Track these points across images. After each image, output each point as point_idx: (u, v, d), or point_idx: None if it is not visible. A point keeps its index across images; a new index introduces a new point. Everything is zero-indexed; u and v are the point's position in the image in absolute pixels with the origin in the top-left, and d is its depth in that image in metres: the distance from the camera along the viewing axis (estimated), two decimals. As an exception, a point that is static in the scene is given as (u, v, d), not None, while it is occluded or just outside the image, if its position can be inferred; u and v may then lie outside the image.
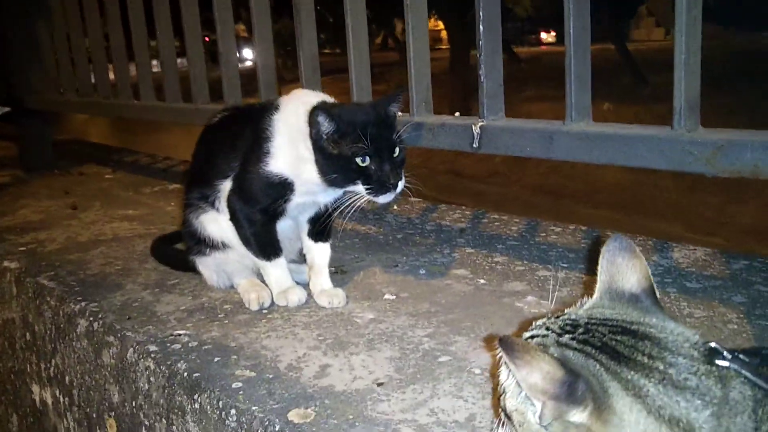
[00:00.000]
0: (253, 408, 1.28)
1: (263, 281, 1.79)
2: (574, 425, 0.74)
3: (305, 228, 1.76)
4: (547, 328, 0.83)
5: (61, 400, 1.95)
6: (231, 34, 2.41)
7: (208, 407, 1.35)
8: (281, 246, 1.73)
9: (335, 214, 1.71)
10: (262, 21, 2.22)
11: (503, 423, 0.87)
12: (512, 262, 1.94)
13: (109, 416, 1.71)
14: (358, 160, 1.48)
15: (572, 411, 0.73)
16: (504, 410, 0.85)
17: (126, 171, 3.80)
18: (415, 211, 2.54)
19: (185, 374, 1.44)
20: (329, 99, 1.64)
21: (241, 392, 1.34)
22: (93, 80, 3.69)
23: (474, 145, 1.59)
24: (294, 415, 1.24)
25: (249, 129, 1.67)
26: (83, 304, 1.85)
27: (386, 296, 1.75)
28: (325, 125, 1.48)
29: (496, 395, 0.91)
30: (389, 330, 1.56)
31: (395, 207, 2.59)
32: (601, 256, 0.89)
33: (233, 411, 1.30)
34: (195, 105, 2.62)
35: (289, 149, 1.59)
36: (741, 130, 1.23)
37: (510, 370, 0.80)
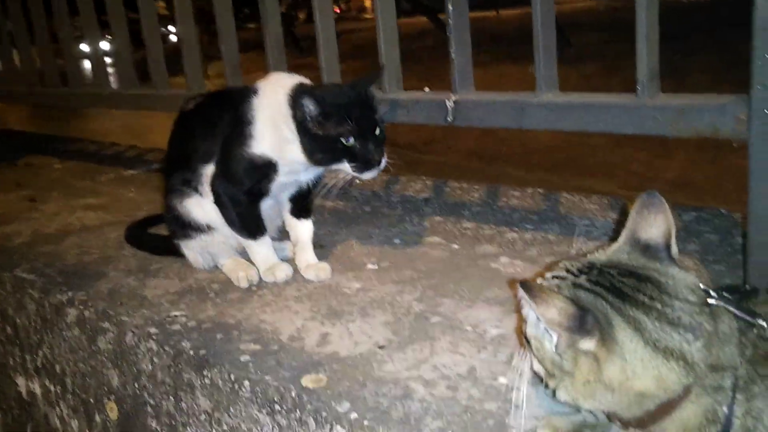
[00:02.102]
0: (267, 378, 1.36)
1: (247, 260, 1.85)
2: (583, 352, 0.86)
3: (287, 206, 1.83)
4: (567, 270, 0.94)
5: (52, 389, 1.99)
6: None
7: (220, 381, 1.42)
8: (265, 225, 1.80)
9: (316, 191, 1.79)
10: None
11: (525, 350, 0.99)
12: (480, 227, 2.06)
13: (109, 399, 1.76)
14: (344, 140, 1.56)
15: (582, 340, 0.85)
16: (525, 337, 0.97)
17: (74, 160, 3.75)
18: (378, 184, 2.63)
19: (191, 352, 1.51)
20: (305, 81, 1.71)
21: (251, 364, 1.42)
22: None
23: (448, 119, 1.69)
24: (307, 381, 1.33)
25: (228, 113, 1.72)
26: (70, 293, 1.88)
27: (369, 266, 1.84)
28: (310, 108, 1.55)
29: (520, 326, 1.03)
30: (378, 297, 1.65)
31: (357, 181, 2.68)
32: (633, 207, 0.99)
33: (246, 382, 1.38)
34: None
35: (272, 131, 1.65)
36: (698, 94, 1.36)
37: (530, 307, 0.92)
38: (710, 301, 0.88)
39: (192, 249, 1.86)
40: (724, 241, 1.74)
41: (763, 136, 1.20)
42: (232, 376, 1.41)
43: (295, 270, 1.82)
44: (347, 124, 1.55)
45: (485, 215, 2.15)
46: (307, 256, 1.81)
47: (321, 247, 2.00)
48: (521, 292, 0.91)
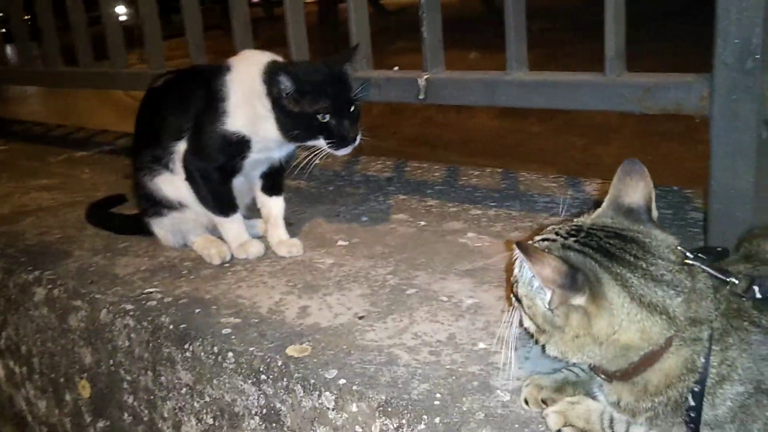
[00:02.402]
0: (251, 349, 1.39)
1: (218, 237, 1.87)
2: (574, 308, 0.92)
3: (258, 183, 1.85)
4: (556, 233, 1.00)
5: (17, 370, 1.96)
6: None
7: (202, 354, 1.44)
8: (236, 202, 1.81)
9: (287, 168, 1.82)
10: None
11: (514, 308, 1.05)
12: (444, 204, 2.11)
13: (81, 378, 1.75)
14: (320, 116, 1.59)
15: (574, 296, 0.91)
16: (516, 296, 1.02)
17: (20, 141, 3.66)
18: (339, 164, 2.66)
19: (170, 327, 1.52)
20: (278, 58, 1.73)
21: (233, 337, 1.44)
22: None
23: (420, 97, 1.73)
24: (292, 351, 1.36)
25: (200, 90, 1.72)
26: (37, 273, 1.86)
27: (339, 243, 1.88)
28: (286, 84, 1.57)
29: (509, 286, 1.08)
30: (353, 272, 1.69)
31: (317, 161, 2.70)
32: (616, 175, 1.05)
33: (230, 354, 1.40)
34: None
35: (246, 108, 1.67)
36: (663, 73, 1.45)
37: (524, 266, 0.97)
38: (688, 260, 0.95)
39: (163, 226, 1.86)
40: (677, 215, 1.84)
41: (724, 112, 1.29)
42: (215, 348, 1.43)
43: (267, 247, 1.84)
44: (324, 101, 1.57)
45: (448, 193, 2.21)
46: (279, 233, 1.83)
47: (290, 225, 2.02)
48: (517, 252, 0.96)
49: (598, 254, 0.94)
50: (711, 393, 0.91)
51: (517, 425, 1.10)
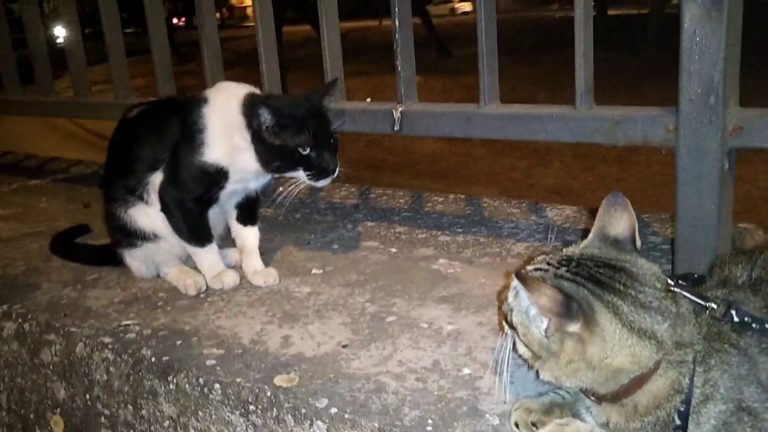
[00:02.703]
0: (238, 380, 1.40)
1: (191, 267, 1.87)
2: (569, 335, 0.97)
3: (233, 213, 1.87)
4: (548, 263, 1.05)
5: (-18, 407, 1.91)
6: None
7: (187, 386, 1.45)
8: (212, 232, 1.82)
9: (262, 198, 1.84)
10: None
11: (506, 334, 1.09)
12: (413, 231, 2.16)
13: (54, 413, 1.72)
14: (301, 149, 1.62)
15: (569, 324, 0.96)
16: (510, 324, 1.07)
17: (-35, 170, 3.56)
18: (303, 191, 2.67)
19: (153, 359, 1.52)
20: (255, 90, 1.76)
21: (218, 368, 1.45)
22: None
23: (395, 128, 1.78)
24: (280, 381, 1.38)
25: (176, 121, 1.74)
26: (5, 307, 1.83)
27: (313, 271, 1.90)
28: (267, 117, 1.60)
29: (502, 313, 1.13)
30: (330, 300, 1.72)
31: (280, 188, 2.72)
32: (601, 207, 1.12)
33: (217, 385, 1.41)
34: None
35: (224, 139, 1.69)
36: (631, 107, 1.53)
37: (518, 295, 1.02)
38: (671, 288, 1.02)
39: (136, 258, 1.86)
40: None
41: (689, 144, 1.37)
42: (201, 380, 1.43)
43: (242, 276, 1.85)
44: (304, 135, 1.61)
45: (415, 220, 2.26)
46: (254, 262, 1.85)
47: (261, 254, 2.03)
48: (515, 282, 1.01)
49: (590, 283, 1.00)
50: (696, 412, 0.97)
51: (509, 448, 1.14)
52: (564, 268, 1.03)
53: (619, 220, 1.09)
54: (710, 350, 0.99)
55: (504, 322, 1.11)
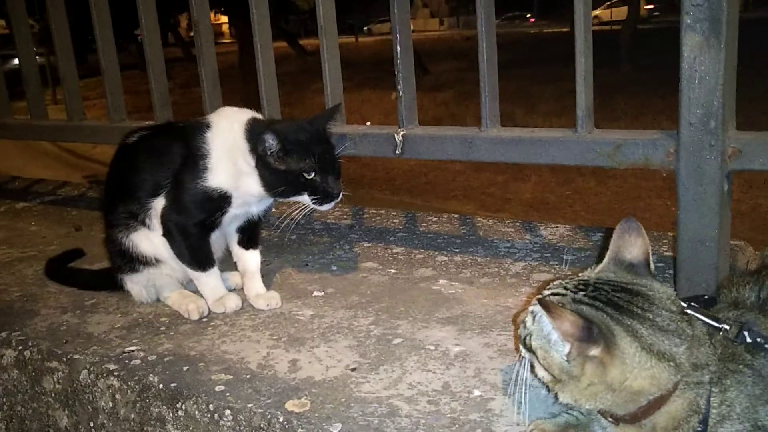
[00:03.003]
0: (249, 405, 1.40)
1: (193, 292, 1.87)
2: (590, 358, 0.99)
3: (234, 237, 1.87)
4: (565, 288, 1.08)
5: (-21, 436, 1.89)
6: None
7: (197, 412, 1.45)
8: (213, 256, 1.83)
9: (263, 222, 1.85)
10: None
11: (523, 358, 1.11)
12: (410, 251, 2.18)
13: (56, 442, 1.71)
14: (306, 174, 1.64)
15: (590, 348, 0.98)
16: (528, 348, 1.09)
17: (-52, 192, 3.52)
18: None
19: (160, 386, 1.51)
20: (257, 115, 1.77)
21: (227, 394, 1.45)
22: None
23: (397, 152, 1.80)
24: (291, 406, 1.38)
25: (178, 146, 1.74)
26: (4, 334, 1.81)
27: (315, 293, 1.91)
28: (272, 143, 1.61)
29: (517, 336, 1.15)
30: (335, 323, 1.73)
31: (274, 209, 2.73)
32: (615, 232, 1.15)
33: (228, 411, 1.41)
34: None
35: (227, 164, 1.70)
36: (631, 130, 1.57)
37: (538, 320, 1.04)
38: (686, 310, 1.04)
39: (137, 283, 1.85)
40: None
41: (690, 167, 1.41)
42: (211, 407, 1.43)
43: (243, 299, 1.86)
44: (310, 160, 1.62)
45: (411, 240, 2.28)
46: (256, 286, 1.85)
47: (261, 277, 2.04)
48: (536, 307, 1.03)
49: (608, 307, 1.02)
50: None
51: (527, 470, 1.16)
52: (582, 293, 1.05)
53: (633, 245, 1.11)
54: (725, 371, 1.01)
55: (521, 346, 1.13)
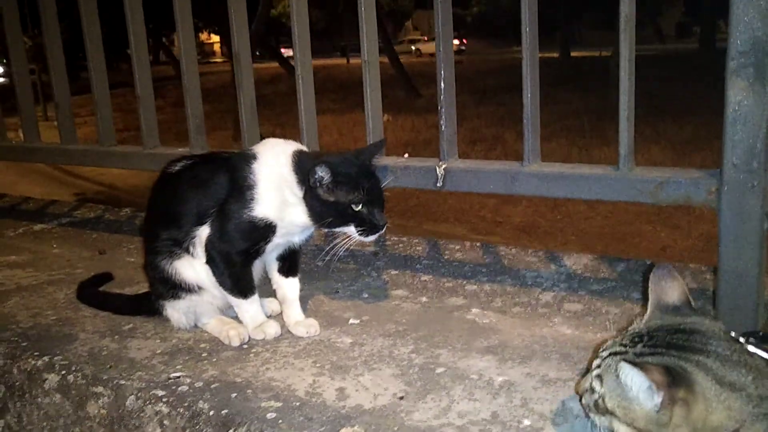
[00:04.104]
0: (304, 433, 1.43)
1: (232, 318, 1.90)
2: (676, 401, 1.03)
3: (274, 265, 1.91)
4: (622, 345, 1.13)
5: (15, 460, 1.90)
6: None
7: (250, 439, 1.47)
8: (254, 284, 1.86)
9: (302, 250, 1.89)
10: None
11: (595, 423, 1.15)
12: (438, 279, 2.22)
13: (98, 466, 1.72)
14: (354, 206, 1.68)
15: (678, 391, 1.03)
16: (604, 411, 1.12)
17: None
18: (317, 238, 2.73)
19: (211, 413, 1.54)
20: (303, 147, 1.82)
21: (280, 421, 1.48)
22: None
23: (438, 185, 1.85)
24: (346, 434, 1.42)
25: (224, 177, 1.78)
26: (46, 358, 1.83)
27: (351, 321, 1.95)
28: (324, 176, 1.66)
29: (584, 405, 1.20)
30: (375, 351, 1.76)
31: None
32: (650, 281, 1.20)
33: (282, 439, 1.44)
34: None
35: (274, 195, 1.74)
36: (672, 168, 1.63)
37: (609, 380, 1.09)
38: (746, 345, 1.09)
39: (178, 309, 1.88)
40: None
41: (731, 206, 1.47)
42: (264, 434, 1.46)
43: (281, 325, 1.89)
44: (359, 192, 1.67)
45: (438, 269, 2.32)
46: (295, 313, 1.89)
47: (297, 303, 2.07)
48: (597, 371, 1.09)
49: (672, 350, 1.07)
50: (775, 465, 1.04)
51: (587, 499, 1.20)
52: (640, 345, 1.10)
53: (671, 289, 1.17)
54: (785, 405, 1.06)
55: (592, 414, 1.16)
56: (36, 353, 1.86)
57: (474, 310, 1.97)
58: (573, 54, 24.23)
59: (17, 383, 1.85)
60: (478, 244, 2.57)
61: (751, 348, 1.10)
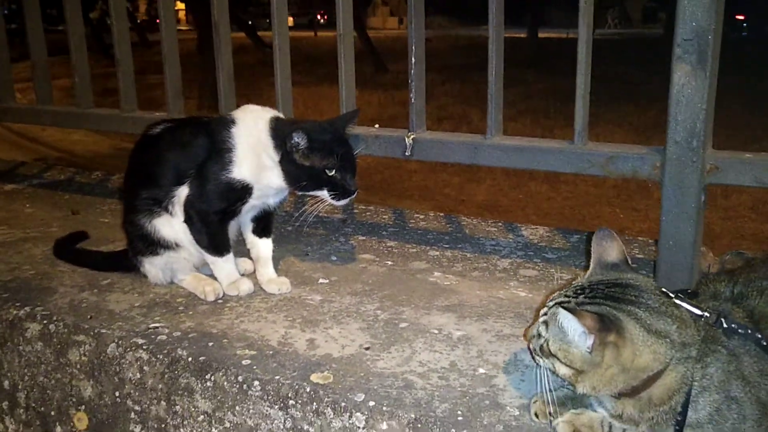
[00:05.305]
0: (276, 377, 1.55)
1: (207, 275, 2.00)
2: (607, 344, 1.17)
3: (249, 226, 2.01)
4: (566, 296, 1.26)
5: (-5, 405, 1.98)
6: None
7: (225, 383, 1.59)
8: (230, 243, 1.96)
9: (276, 212, 2.00)
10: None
11: (539, 365, 1.29)
12: (403, 245, 2.35)
13: (78, 410, 1.82)
14: (327, 171, 1.79)
15: (609, 335, 1.16)
16: (547, 354, 1.26)
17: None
18: (288, 205, 2.83)
19: (189, 359, 1.65)
20: (279, 114, 1.91)
21: (255, 367, 1.60)
22: None
23: (407, 154, 1.97)
24: (316, 378, 1.54)
25: (203, 140, 1.87)
26: (27, 309, 1.91)
27: (320, 281, 2.06)
28: (301, 142, 1.76)
29: (530, 349, 1.33)
30: (343, 307, 1.89)
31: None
32: (593, 241, 1.34)
33: (256, 383, 1.55)
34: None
35: (251, 158, 1.84)
36: (622, 144, 1.77)
37: (552, 327, 1.23)
38: (673, 299, 1.24)
39: (156, 265, 1.97)
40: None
41: (673, 180, 1.61)
42: (240, 378, 1.58)
43: (255, 284, 2.00)
44: (332, 158, 1.78)
45: (403, 236, 2.45)
46: (267, 272, 2.00)
47: (269, 263, 2.17)
48: (551, 317, 1.22)
49: (608, 301, 1.21)
50: (694, 401, 1.19)
51: (532, 434, 1.34)
52: (581, 296, 1.24)
53: (611, 248, 1.31)
54: (706, 350, 1.21)
55: (538, 356, 1.30)
56: (17, 303, 1.94)
57: (436, 273, 2.10)
58: (541, 35, 24.41)
59: (-1, 332, 1.93)
60: (441, 214, 2.70)
61: (678, 302, 1.24)
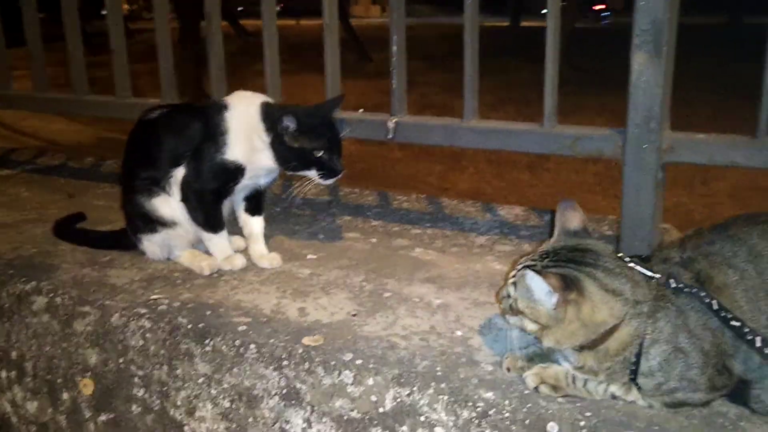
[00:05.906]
0: (271, 341, 1.69)
1: (202, 251, 2.13)
2: (569, 302, 1.32)
3: (242, 205, 2.14)
4: (533, 260, 1.41)
5: (3, 375, 2.10)
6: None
7: (224, 347, 1.72)
8: (224, 220, 2.09)
9: (268, 191, 2.13)
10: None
11: (510, 322, 1.44)
12: (387, 225, 2.49)
13: (84, 377, 1.95)
14: (315, 152, 1.92)
15: (570, 294, 1.31)
16: (516, 311, 1.40)
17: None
18: (277, 188, 2.95)
19: (189, 326, 1.78)
20: (269, 99, 2.04)
21: (250, 332, 1.73)
22: None
23: (389, 136, 2.10)
24: (308, 341, 1.68)
25: (199, 123, 2.00)
26: (33, 283, 2.04)
27: (309, 256, 2.20)
28: (290, 125, 1.89)
29: (502, 309, 1.47)
30: (331, 280, 2.02)
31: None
32: (557, 211, 1.48)
33: (252, 345, 1.69)
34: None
35: (243, 140, 1.96)
36: (588, 126, 1.91)
37: (520, 287, 1.37)
38: (627, 262, 1.39)
39: (154, 242, 2.10)
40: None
41: (633, 158, 1.76)
42: (237, 342, 1.71)
43: (248, 259, 2.13)
44: (321, 140, 1.91)
45: (386, 216, 2.58)
46: (260, 248, 2.13)
47: (260, 241, 2.30)
48: (520, 278, 1.36)
49: (570, 263, 1.36)
50: (646, 352, 1.34)
51: (503, 385, 1.48)
52: (546, 260, 1.39)
53: (573, 218, 1.46)
54: (656, 307, 1.36)
55: (507, 315, 1.45)
56: (24, 279, 2.06)
57: (417, 250, 2.24)
58: (524, 24, 24.50)
59: (6, 305, 2.05)
60: (423, 195, 2.84)
61: (632, 265, 1.39)
